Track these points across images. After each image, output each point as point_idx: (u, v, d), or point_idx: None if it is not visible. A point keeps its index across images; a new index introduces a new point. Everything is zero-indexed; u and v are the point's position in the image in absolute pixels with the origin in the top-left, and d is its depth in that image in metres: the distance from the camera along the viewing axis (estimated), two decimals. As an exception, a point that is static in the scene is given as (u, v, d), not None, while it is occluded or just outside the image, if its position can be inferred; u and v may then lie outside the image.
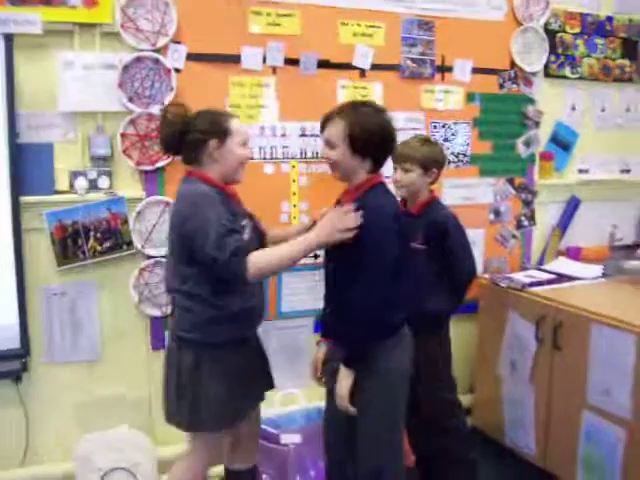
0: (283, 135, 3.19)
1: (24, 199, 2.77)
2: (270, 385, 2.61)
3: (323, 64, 3.22)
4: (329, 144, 2.31)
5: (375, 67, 3.33)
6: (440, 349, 2.94)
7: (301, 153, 3.24)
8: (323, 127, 2.34)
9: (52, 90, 2.80)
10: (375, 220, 2.21)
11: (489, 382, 3.52)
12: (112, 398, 3.06)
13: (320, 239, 2.24)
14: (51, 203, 2.83)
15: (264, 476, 3.06)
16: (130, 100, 2.90)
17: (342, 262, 2.30)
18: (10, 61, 2.68)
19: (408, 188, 2.87)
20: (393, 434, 2.39)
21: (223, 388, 2.31)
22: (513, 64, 3.67)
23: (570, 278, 3.48)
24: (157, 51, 2.91)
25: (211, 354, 2.31)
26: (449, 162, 3.50)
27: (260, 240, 2.48)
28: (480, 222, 3.68)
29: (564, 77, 3.88)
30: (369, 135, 2.24)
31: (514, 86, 3.69)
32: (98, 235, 2.91)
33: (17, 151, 2.73)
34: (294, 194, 3.24)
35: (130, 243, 2.96)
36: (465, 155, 3.62)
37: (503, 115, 3.68)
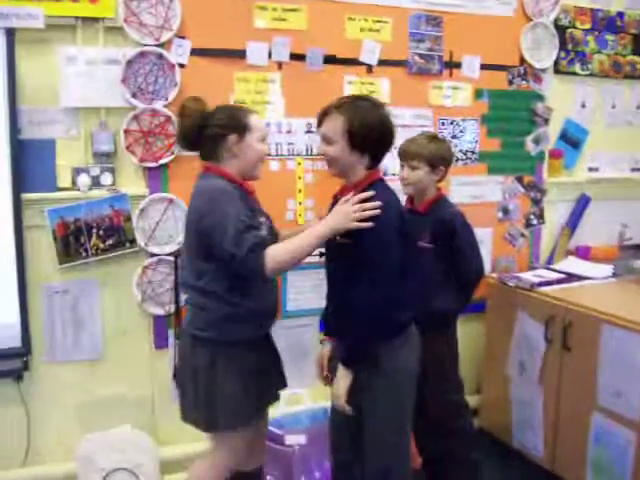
0: (289, 131, 3.16)
1: (26, 196, 2.75)
2: (284, 384, 2.58)
3: (329, 59, 3.19)
4: (327, 140, 2.26)
5: (382, 63, 3.30)
6: (447, 349, 2.91)
7: (307, 150, 3.20)
8: (320, 122, 2.30)
9: (54, 85, 2.78)
10: (378, 217, 2.16)
11: (497, 383, 3.48)
12: (114, 397, 3.04)
13: (334, 225, 2.18)
14: (53, 200, 2.81)
15: (268, 477, 3.02)
16: (133, 96, 2.87)
17: (343, 260, 2.26)
18: (12, 56, 2.65)
19: (415, 186, 2.84)
20: (400, 435, 2.36)
21: (239, 386, 2.28)
22: (522, 60, 3.63)
23: (579, 278, 3.44)
24: (161, 46, 2.88)
25: (226, 352, 2.28)
26: (457, 159, 3.47)
27: (274, 241, 2.43)
28: (488, 220, 3.64)
29: (574, 73, 3.84)
30: (368, 130, 2.20)
31: (523, 82, 3.65)
32: (101, 232, 2.88)
33: (19, 147, 2.71)
34: (300, 191, 3.20)
35: (133, 241, 2.94)
36: (473, 152, 3.58)
37: (512, 112, 3.65)
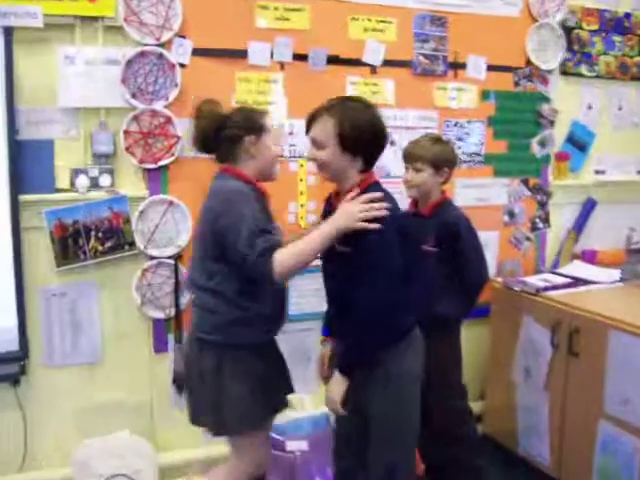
0: (291, 133, 3.12)
1: (23, 197, 2.72)
2: (290, 390, 2.55)
3: (332, 60, 3.17)
4: (317, 144, 2.21)
5: (386, 63, 3.27)
6: (450, 355, 2.88)
7: (309, 151, 3.15)
8: (309, 126, 2.25)
9: (53, 85, 2.75)
10: (382, 219, 2.11)
11: (502, 388, 3.44)
12: (113, 402, 3.00)
13: (340, 225, 2.12)
14: (51, 202, 2.78)
15: (269, 484, 2.98)
16: (133, 96, 2.84)
17: (343, 268, 2.21)
18: (9, 55, 2.62)
19: (419, 188, 2.80)
20: (405, 440, 2.32)
21: (246, 389, 2.26)
22: (528, 61, 3.60)
23: (586, 282, 3.40)
24: (161, 46, 2.86)
25: (232, 355, 2.26)
26: (462, 162, 3.45)
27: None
28: (493, 224, 3.61)
29: (580, 75, 3.81)
30: (360, 132, 2.14)
31: (529, 84, 3.62)
32: (99, 235, 2.85)
33: (16, 148, 2.68)
34: (302, 193, 3.17)
35: (132, 243, 2.90)
36: (479, 155, 3.55)
37: (518, 114, 3.62)
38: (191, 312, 2.43)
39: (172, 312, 2.98)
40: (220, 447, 2.99)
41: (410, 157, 2.80)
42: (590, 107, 3.87)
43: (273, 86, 3.07)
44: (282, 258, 2.11)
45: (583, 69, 3.79)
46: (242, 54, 2.99)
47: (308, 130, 2.24)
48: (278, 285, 2.24)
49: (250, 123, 2.30)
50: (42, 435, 2.92)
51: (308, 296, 3.21)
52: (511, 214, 3.66)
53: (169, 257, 2.96)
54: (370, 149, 2.20)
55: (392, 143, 3.28)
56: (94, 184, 2.81)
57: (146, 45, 2.82)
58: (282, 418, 3.06)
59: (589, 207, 3.90)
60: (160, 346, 3.03)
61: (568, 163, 3.78)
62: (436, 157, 2.77)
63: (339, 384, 2.21)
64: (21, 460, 2.88)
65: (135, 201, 2.89)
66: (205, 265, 2.27)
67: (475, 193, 3.55)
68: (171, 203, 2.93)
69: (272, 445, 2.91)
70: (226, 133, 2.30)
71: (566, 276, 3.49)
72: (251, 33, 3.00)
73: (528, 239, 3.72)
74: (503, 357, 3.41)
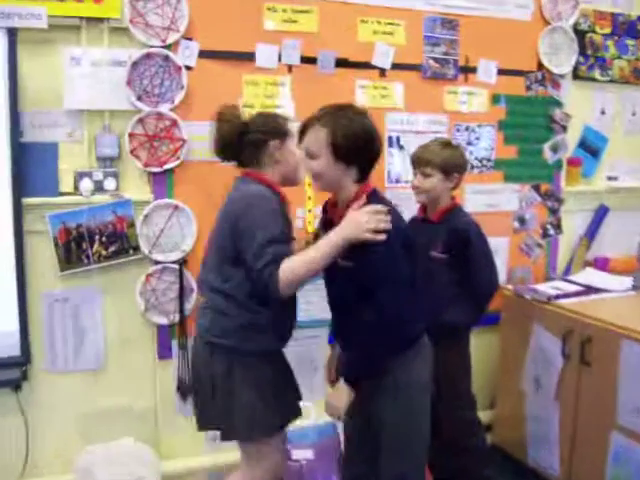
0: (299, 137, 3.07)
1: (26, 200, 2.69)
2: (299, 398, 2.51)
3: (341, 63, 3.13)
4: (310, 154, 2.16)
5: (396, 67, 3.23)
6: (459, 364, 2.85)
7: (317, 156, 3.12)
8: (302, 136, 2.21)
9: (57, 87, 2.73)
10: (388, 231, 2.07)
11: (511, 398, 3.39)
12: (116, 409, 2.98)
13: (347, 235, 2.08)
14: (55, 205, 2.75)
15: (274, 493, 2.94)
16: (139, 98, 2.81)
17: (348, 282, 2.16)
18: (13, 56, 2.60)
19: (428, 194, 2.77)
20: (416, 448, 2.29)
21: (256, 395, 2.24)
22: (540, 65, 3.56)
23: (598, 290, 3.34)
24: (167, 47, 2.83)
25: (243, 361, 2.24)
26: (472, 167, 3.41)
27: None
28: (504, 230, 3.57)
29: (593, 79, 3.76)
30: (353, 141, 2.10)
31: (541, 88, 3.58)
32: (103, 239, 2.83)
33: (20, 150, 2.66)
34: (309, 199, 3.12)
35: (137, 248, 2.88)
36: (489, 160, 3.51)
37: (529, 118, 3.58)
38: (197, 317, 2.38)
39: (176, 318, 2.95)
40: (224, 455, 2.99)
41: (419, 162, 2.77)
42: (603, 112, 3.83)
43: (280, 89, 3.04)
44: (287, 271, 2.09)
45: (596, 73, 3.75)
46: (249, 57, 2.96)
47: (301, 140, 2.21)
48: (282, 297, 2.19)
49: (274, 128, 2.29)
50: (44, 441, 2.89)
51: (316, 302, 3.16)
52: (522, 220, 3.62)
53: (174, 262, 2.93)
54: (364, 158, 2.16)
55: (401, 148, 3.26)
56: (98, 187, 2.78)
57: (152, 47, 2.79)
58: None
59: (601, 214, 3.85)
60: (164, 352, 3.00)
61: (580, 169, 3.75)
62: (446, 162, 2.74)
63: (344, 393, 2.18)
64: (22, 467, 2.84)
65: (140, 205, 2.86)
66: (222, 268, 2.24)
67: (485, 199, 3.51)
68: (176, 207, 2.90)
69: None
70: (250, 138, 2.28)
71: (578, 284, 3.44)
72: (259, 35, 2.97)
73: (539, 246, 3.67)
74: (513, 366, 3.36)
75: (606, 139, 3.84)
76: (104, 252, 2.83)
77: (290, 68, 3.04)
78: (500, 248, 3.45)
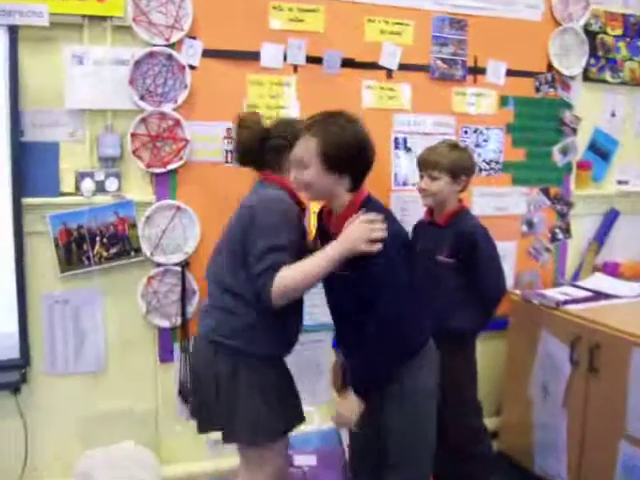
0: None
1: (27, 201, 2.67)
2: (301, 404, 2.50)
3: (347, 63, 3.09)
4: (299, 164, 2.13)
5: (403, 67, 3.20)
6: (465, 371, 2.82)
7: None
8: (291, 146, 2.18)
9: (59, 86, 2.70)
10: (383, 239, 2.04)
11: (518, 405, 3.34)
12: (116, 412, 2.95)
13: (344, 250, 2.06)
14: (55, 205, 2.73)
15: (276, 500, 2.91)
16: (141, 98, 2.79)
17: (347, 292, 2.14)
18: (14, 55, 2.58)
19: (435, 197, 2.74)
20: (422, 458, 2.27)
21: (260, 399, 2.22)
22: (550, 67, 3.52)
23: (607, 296, 3.28)
24: (171, 46, 2.80)
25: (248, 364, 2.22)
26: (480, 169, 3.37)
27: None
28: (512, 234, 3.53)
29: (604, 81, 3.72)
30: (343, 150, 2.06)
31: (551, 90, 3.53)
32: (104, 240, 2.80)
33: (20, 150, 2.63)
34: (315, 200, 3.08)
35: (138, 249, 2.85)
36: (497, 162, 3.47)
37: (538, 121, 3.54)
38: (200, 318, 2.36)
39: (178, 321, 2.92)
40: (226, 460, 2.97)
41: (426, 164, 2.74)
42: (614, 114, 3.78)
43: (286, 89, 3.00)
44: (280, 283, 2.08)
45: (607, 75, 3.71)
46: (254, 56, 2.93)
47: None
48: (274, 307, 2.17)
49: (297, 133, 2.25)
50: (43, 445, 2.87)
51: (320, 306, 3.10)
52: (530, 224, 3.58)
53: (176, 264, 2.90)
54: (356, 167, 2.12)
55: (408, 149, 3.22)
56: (100, 188, 2.76)
57: (155, 46, 2.76)
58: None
59: (611, 218, 3.81)
60: (166, 355, 2.97)
61: (590, 172, 3.71)
62: (453, 164, 2.71)
63: (354, 403, 2.15)
64: (21, 470, 2.81)
65: (142, 206, 2.84)
66: (234, 268, 2.23)
67: (493, 202, 3.46)
68: (179, 208, 2.87)
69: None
70: (272, 143, 2.29)
71: (586, 289, 3.39)
72: (264, 34, 2.93)
73: (547, 250, 3.63)
74: (520, 372, 3.31)
75: (616, 142, 3.80)
76: (105, 253, 2.80)
77: (295, 68, 3.01)
78: (508, 252, 3.41)
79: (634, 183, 3.86)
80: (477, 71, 3.36)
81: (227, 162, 2.92)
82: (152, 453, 2.94)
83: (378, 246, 2.01)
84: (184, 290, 2.90)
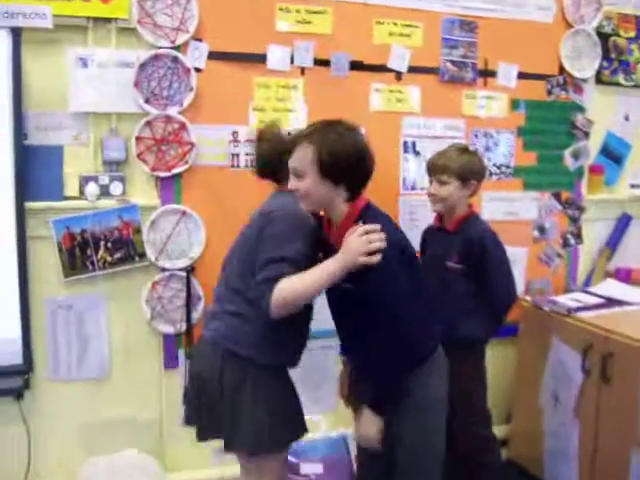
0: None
1: (30, 205, 2.65)
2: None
3: (356, 65, 3.06)
4: (296, 173, 2.10)
5: (412, 70, 3.16)
6: (475, 375, 2.77)
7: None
8: (289, 154, 2.13)
9: (63, 89, 2.68)
10: (382, 250, 2.00)
11: (528, 413, 3.30)
12: (120, 419, 2.92)
13: (344, 264, 2.02)
14: (59, 210, 2.71)
15: (282, 509, 2.88)
16: (146, 101, 2.76)
17: (350, 300, 2.10)
18: (17, 57, 2.56)
19: (445, 202, 2.70)
20: (430, 468, 2.24)
21: (265, 410, 2.19)
22: (562, 69, 3.48)
23: (620, 303, 3.23)
24: (176, 49, 2.78)
25: (256, 374, 2.19)
26: (490, 174, 3.33)
27: None
28: (523, 239, 3.49)
29: (617, 84, 3.68)
30: (340, 159, 2.02)
31: (563, 93, 3.49)
32: (109, 245, 2.77)
33: (24, 153, 2.61)
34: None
35: (143, 254, 2.82)
36: (508, 166, 3.43)
37: (550, 124, 3.49)
38: (206, 323, 2.33)
39: (183, 327, 2.89)
40: (231, 468, 2.91)
41: (435, 169, 2.70)
42: (627, 118, 3.74)
43: (293, 92, 2.97)
44: (279, 295, 2.04)
45: (620, 78, 3.66)
46: (261, 58, 2.90)
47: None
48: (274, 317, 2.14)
49: None
50: (46, 451, 2.84)
51: (327, 312, 3.08)
52: (541, 229, 3.53)
53: (181, 269, 2.87)
54: (353, 177, 2.07)
55: (417, 153, 3.19)
56: (104, 192, 2.74)
57: (160, 48, 2.74)
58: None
59: (624, 223, 3.77)
60: (170, 362, 2.94)
61: (602, 176, 3.67)
62: (463, 169, 2.67)
63: (372, 421, 2.12)
64: (24, 477, 2.79)
65: (146, 210, 2.81)
66: (245, 273, 2.20)
67: (503, 207, 3.42)
68: (184, 213, 2.84)
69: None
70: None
71: (599, 296, 3.34)
72: (270, 36, 2.90)
73: (559, 256, 3.58)
74: (530, 380, 3.27)
75: (629, 146, 3.75)
76: (109, 258, 2.77)
77: (303, 71, 2.97)
78: (518, 258, 3.37)
79: (647, 187, 3.83)
80: (487, 74, 3.32)
81: (233, 166, 2.89)
82: (156, 461, 2.91)
83: (377, 257, 1.97)
84: (189, 296, 2.87)
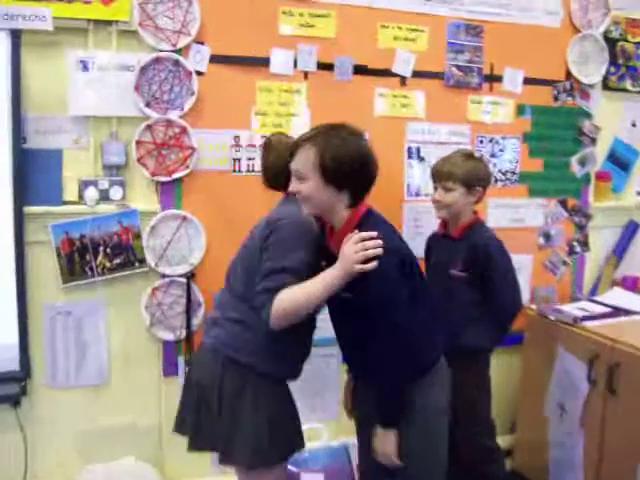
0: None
1: (28, 209, 2.63)
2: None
3: (360, 70, 3.03)
4: (298, 176, 2.07)
5: (417, 74, 3.13)
6: (478, 384, 2.74)
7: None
8: (291, 156, 2.11)
9: (63, 92, 2.66)
10: (379, 257, 1.96)
11: (533, 423, 3.26)
12: (118, 427, 2.90)
13: (341, 273, 1.99)
14: (58, 214, 2.69)
15: (282, 519, 2.84)
16: (147, 105, 2.74)
17: (350, 309, 2.07)
18: (17, 59, 2.54)
19: (449, 209, 2.67)
20: (433, 478, 2.22)
21: (264, 423, 2.16)
22: (569, 75, 3.44)
23: (627, 312, 3.18)
24: (178, 52, 2.76)
25: (256, 384, 2.16)
26: (496, 180, 3.30)
27: None
28: (528, 247, 3.45)
29: (624, 90, 3.64)
30: (343, 163, 1.99)
31: (569, 99, 3.46)
32: (108, 250, 2.75)
33: (23, 157, 2.59)
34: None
35: (143, 260, 2.79)
36: (514, 173, 3.40)
37: (556, 130, 3.46)
38: (206, 330, 2.30)
39: (183, 334, 2.86)
40: (231, 478, 2.85)
41: (440, 175, 2.67)
42: (634, 124, 3.71)
43: (296, 97, 2.94)
44: (279, 306, 2.02)
45: (627, 84, 3.62)
46: (263, 62, 2.87)
47: (291, 160, 2.11)
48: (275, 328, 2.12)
49: None
50: (43, 459, 2.82)
51: (329, 320, 3.05)
52: (547, 236, 3.49)
53: (181, 275, 2.84)
54: (356, 182, 2.05)
55: (421, 159, 3.16)
56: (104, 197, 2.71)
57: (162, 51, 2.72)
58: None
59: (631, 230, 3.73)
60: (170, 369, 2.91)
61: (610, 183, 3.63)
62: (468, 175, 2.64)
63: (388, 439, 2.09)
64: (21, 485, 2.77)
65: (146, 215, 2.79)
66: (250, 280, 2.16)
67: (509, 214, 3.39)
68: (185, 218, 2.81)
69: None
70: None
71: (605, 304, 3.29)
72: (274, 40, 2.88)
73: (565, 263, 3.54)
74: (535, 390, 3.23)
75: (637, 152, 3.72)
76: (108, 264, 2.75)
77: (306, 75, 2.95)
78: (524, 265, 3.34)
79: (655, 195, 3.79)
80: (493, 79, 3.28)
81: (234, 171, 2.86)
82: (154, 469, 2.88)
83: (373, 264, 1.94)
84: (189, 302, 2.84)
